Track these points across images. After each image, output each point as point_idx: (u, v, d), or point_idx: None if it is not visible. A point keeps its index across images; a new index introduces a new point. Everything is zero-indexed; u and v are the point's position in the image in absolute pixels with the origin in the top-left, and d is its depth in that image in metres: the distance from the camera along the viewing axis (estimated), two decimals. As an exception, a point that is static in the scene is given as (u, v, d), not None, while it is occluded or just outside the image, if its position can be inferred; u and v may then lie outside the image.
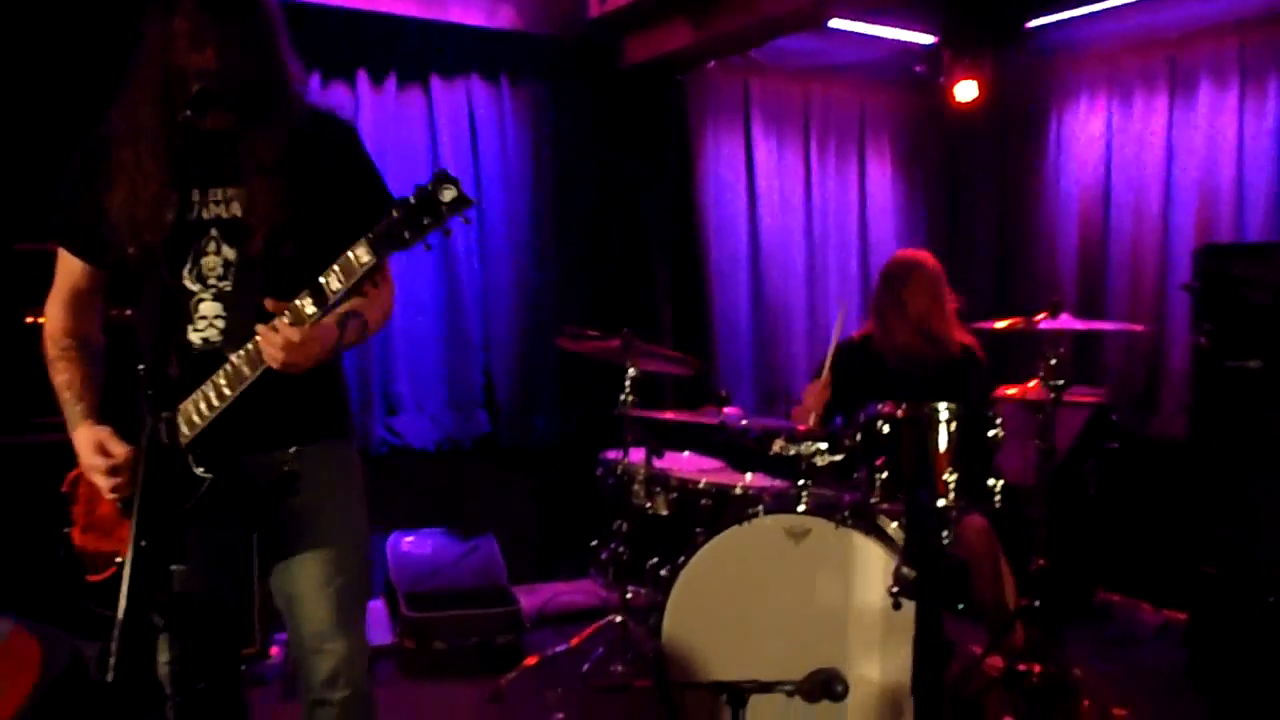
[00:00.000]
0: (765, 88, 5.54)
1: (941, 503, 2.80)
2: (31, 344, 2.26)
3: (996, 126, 5.70)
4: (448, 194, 1.84)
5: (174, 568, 1.69)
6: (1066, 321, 3.38)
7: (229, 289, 2.10)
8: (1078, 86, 5.29)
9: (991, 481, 2.91)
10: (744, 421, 3.46)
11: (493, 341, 5.03)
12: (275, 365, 1.94)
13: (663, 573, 3.51)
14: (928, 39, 5.21)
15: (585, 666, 3.91)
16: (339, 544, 2.21)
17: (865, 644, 2.93)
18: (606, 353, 3.95)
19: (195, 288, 2.10)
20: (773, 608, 3.01)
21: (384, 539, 4.56)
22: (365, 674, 2.21)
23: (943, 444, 2.85)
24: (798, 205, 5.63)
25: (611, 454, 4.04)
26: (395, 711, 3.59)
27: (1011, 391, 3.34)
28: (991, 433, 2.93)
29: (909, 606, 2.63)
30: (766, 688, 2.51)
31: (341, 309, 1.95)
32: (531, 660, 3.93)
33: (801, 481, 3.14)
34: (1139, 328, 3.97)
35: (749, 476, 3.64)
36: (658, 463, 3.80)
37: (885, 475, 2.97)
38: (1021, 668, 3.30)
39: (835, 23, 4.75)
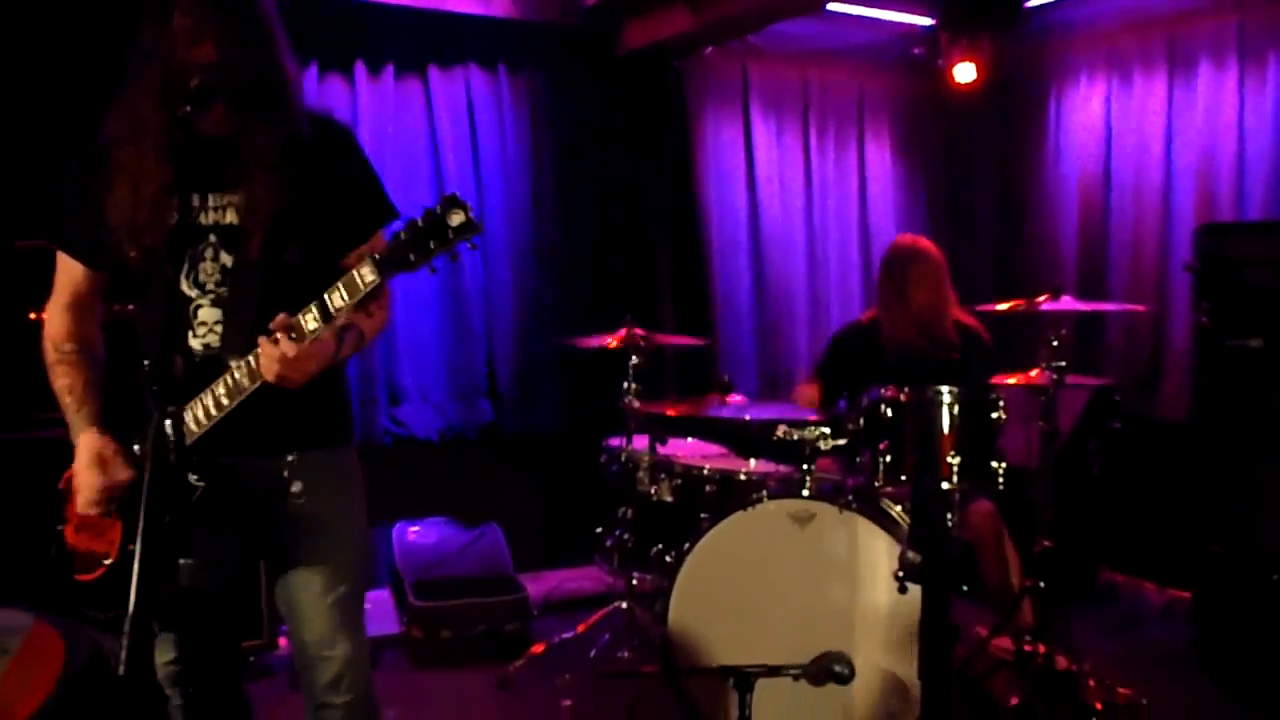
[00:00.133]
0: (764, 72, 5.53)
1: (945, 486, 2.80)
2: (34, 340, 2.26)
3: (996, 108, 5.69)
4: (456, 219, 1.82)
5: (181, 562, 1.70)
6: (1068, 303, 3.38)
7: (227, 295, 2.10)
8: (1076, 67, 5.28)
9: (995, 464, 2.91)
10: (748, 416, 3.45)
11: (495, 331, 5.04)
12: (270, 379, 1.94)
13: (668, 558, 3.53)
14: (926, 21, 5.20)
15: (592, 653, 3.93)
16: (339, 552, 2.21)
17: (870, 627, 2.94)
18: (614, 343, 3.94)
19: (194, 294, 2.10)
20: (778, 592, 3.02)
21: (389, 529, 4.58)
22: (367, 677, 2.23)
23: (946, 427, 2.86)
24: (797, 190, 5.62)
25: (615, 441, 4.05)
26: (404, 700, 3.61)
27: (1012, 381, 3.34)
28: (994, 415, 2.94)
29: (914, 590, 2.65)
30: (773, 671, 2.52)
31: (340, 323, 1.95)
32: (538, 647, 3.95)
33: (805, 466, 3.15)
34: (1140, 308, 3.97)
35: (753, 462, 3.65)
36: (661, 449, 3.81)
37: (888, 459, 2.98)
38: (1028, 648, 3.31)
39: (834, 6, 4.74)
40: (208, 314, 2.10)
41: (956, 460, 2.80)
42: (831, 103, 5.70)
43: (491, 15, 4.85)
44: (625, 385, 3.90)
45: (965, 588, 3.66)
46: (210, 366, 2.04)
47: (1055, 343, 3.27)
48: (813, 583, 3.00)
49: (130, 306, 2.24)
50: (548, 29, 5.04)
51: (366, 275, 1.87)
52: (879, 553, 2.96)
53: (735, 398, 3.78)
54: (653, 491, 3.72)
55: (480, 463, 5.06)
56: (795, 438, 3.21)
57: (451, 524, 4.68)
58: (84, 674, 1.51)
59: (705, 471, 3.60)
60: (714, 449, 4.11)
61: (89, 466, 2.07)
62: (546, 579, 4.79)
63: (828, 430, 3.21)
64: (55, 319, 2.22)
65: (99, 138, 2.12)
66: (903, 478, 3.00)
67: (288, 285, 2.00)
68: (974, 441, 2.86)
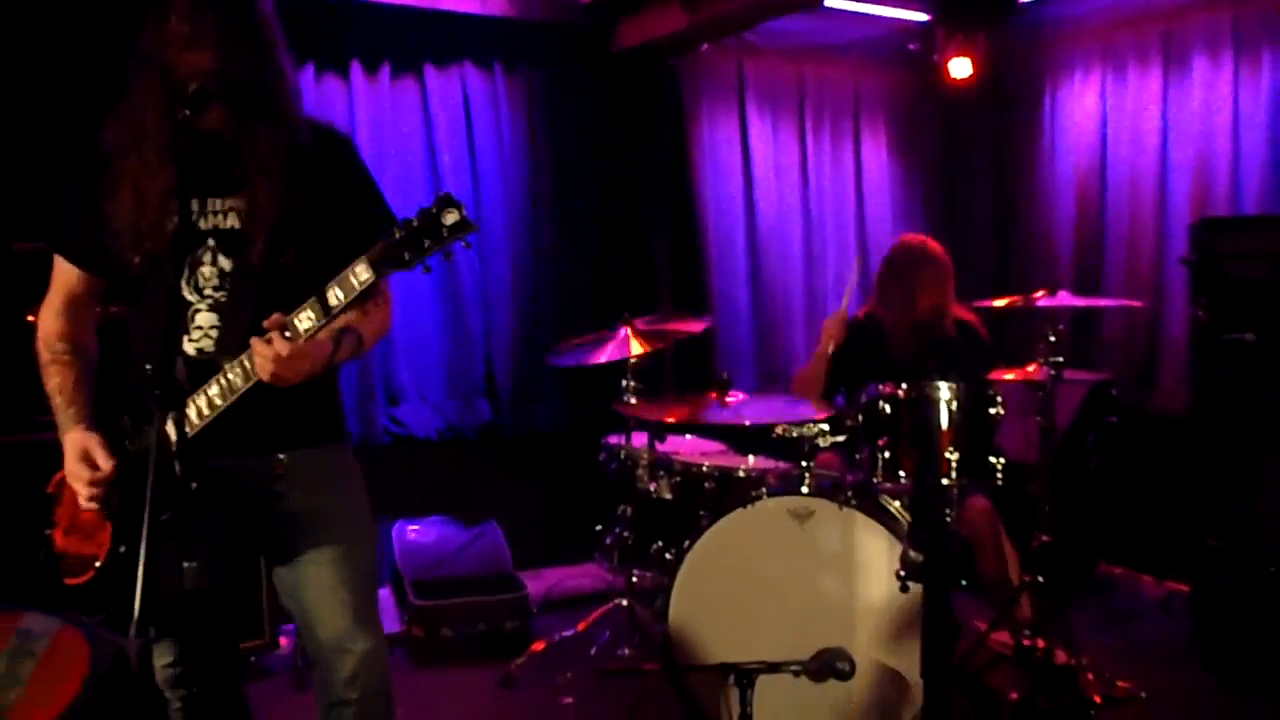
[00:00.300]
0: (759, 69, 5.53)
1: (944, 481, 2.82)
2: (31, 342, 2.27)
3: (991, 104, 5.69)
4: (450, 217, 1.83)
5: (185, 564, 1.71)
6: (1065, 299, 3.39)
7: (224, 300, 2.11)
8: (1071, 62, 5.28)
9: (993, 459, 2.93)
10: (746, 421, 3.45)
11: (493, 330, 5.04)
12: (264, 378, 1.95)
13: (667, 556, 3.54)
14: (921, 16, 5.20)
15: (593, 650, 3.94)
16: (343, 546, 2.20)
17: (871, 623, 2.96)
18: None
19: (192, 298, 2.11)
20: (778, 589, 3.03)
21: (389, 528, 4.58)
22: (385, 672, 2.22)
23: (944, 423, 2.87)
24: (794, 186, 5.62)
25: (614, 439, 4.06)
26: (406, 699, 3.58)
27: (1009, 376, 3.35)
28: (992, 411, 2.95)
29: (914, 587, 2.66)
30: (773, 668, 2.54)
31: (337, 324, 1.95)
32: (539, 645, 3.96)
33: (804, 463, 3.16)
34: (1137, 303, 3.98)
35: (751, 458, 3.66)
36: (660, 447, 3.82)
37: (887, 455, 3.00)
38: (1027, 643, 3.33)
39: (829, 1, 4.74)
40: (205, 318, 2.11)
41: (955, 456, 2.82)
42: (827, 99, 5.71)
43: (487, 14, 4.85)
44: (624, 383, 3.90)
45: (964, 582, 3.67)
46: (204, 370, 2.05)
47: (1053, 338, 3.28)
48: (812, 579, 3.02)
49: (124, 308, 2.25)
50: (543, 27, 5.04)
51: (361, 273, 1.87)
52: (878, 549, 2.97)
53: (734, 394, 3.79)
54: (652, 489, 3.73)
55: (479, 461, 5.07)
56: (794, 434, 3.22)
57: (451, 523, 4.69)
58: (108, 677, 1.53)
59: (704, 469, 3.60)
60: (712, 445, 4.12)
61: (76, 462, 2.09)
62: (546, 577, 4.79)
63: (826, 427, 3.22)
64: (49, 320, 2.23)
65: (99, 143, 2.12)
66: (901, 474, 3.02)
67: (286, 291, 2.01)
68: (972, 437, 2.87)
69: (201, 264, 2.11)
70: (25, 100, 3.84)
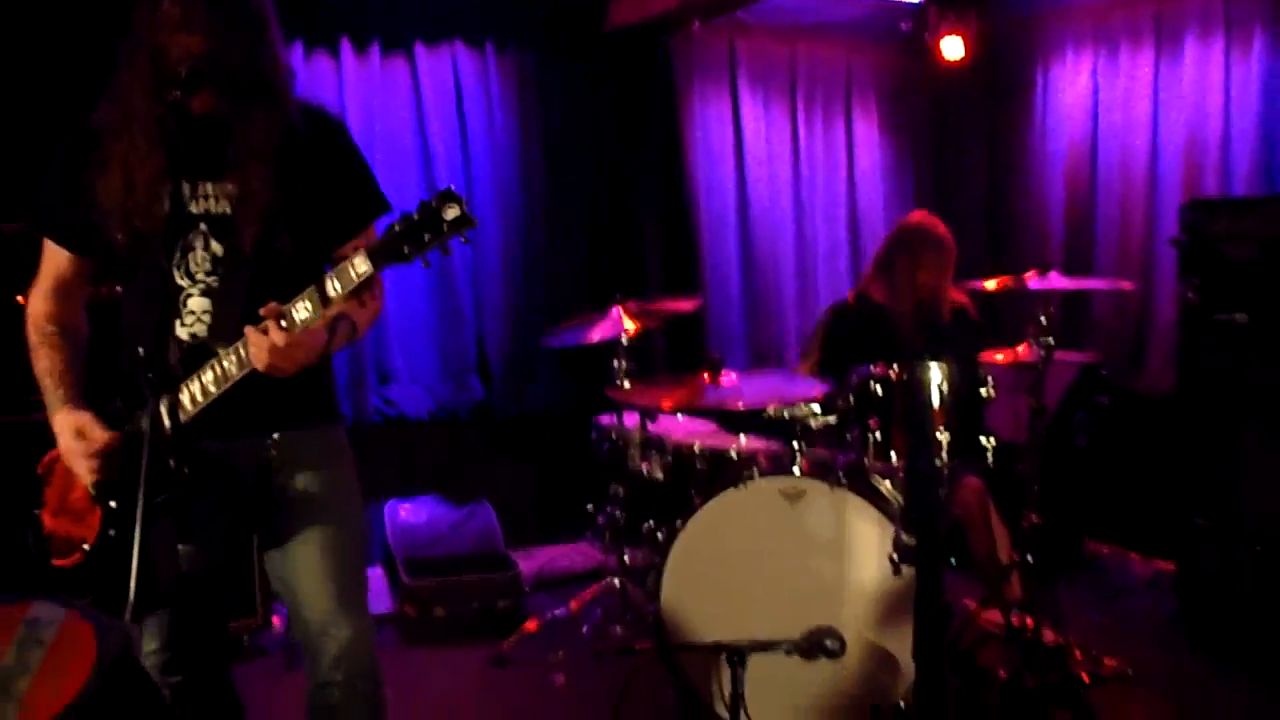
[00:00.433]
0: (751, 48, 5.51)
1: (935, 462, 2.83)
2: (21, 324, 2.26)
3: (983, 84, 5.68)
4: (451, 212, 1.82)
5: (181, 547, 1.71)
6: (1056, 280, 3.40)
7: (217, 285, 2.10)
8: (1063, 42, 5.28)
9: (984, 440, 2.95)
10: (740, 404, 3.45)
11: (484, 310, 5.04)
12: (260, 367, 1.95)
13: (659, 535, 3.55)
14: (913, -4, 5.19)
15: (585, 629, 3.96)
16: (333, 526, 2.21)
17: (861, 602, 2.98)
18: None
19: (184, 283, 2.10)
20: (770, 568, 3.05)
21: (381, 508, 4.59)
22: (371, 654, 2.22)
23: (935, 404, 2.88)
24: (785, 166, 5.62)
25: (605, 419, 4.07)
26: (398, 678, 3.63)
27: (1000, 357, 3.36)
28: (983, 391, 2.97)
29: (906, 569, 2.68)
30: (765, 647, 2.56)
31: (332, 313, 1.96)
32: (532, 624, 3.97)
33: (796, 443, 3.17)
34: (1128, 285, 3.99)
35: (743, 438, 3.67)
36: (651, 427, 3.82)
37: (878, 436, 3.02)
38: (1016, 622, 3.36)
39: (821, -21, 4.73)
40: (196, 303, 2.11)
41: (946, 437, 2.83)
42: (819, 79, 5.70)
43: (478, -8, 4.83)
44: (616, 364, 3.90)
45: (953, 561, 3.70)
46: (197, 355, 2.04)
47: (1043, 319, 3.29)
48: (803, 559, 3.03)
49: (117, 289, 2.24)
50: (534, 6, 5.02)
51: (360, 266, 1.87)
52: (869, 529, 2.98)
53: (726, 374, 3.80)
54: (644, 469, 3.74)
55: (471, 441, 5.08)
56: (786, 415, 3.23)
57: (443, 502, 4.70)
58: (116, 665, 1.53)
59: (696, 449, 3.61)
60: (704, 426, 4.13)
61: (72, 439, 2.08)
62: (538, 556, 4.81)
63: (818, 408, 3.23)
64: (38, 302, 2.22)
65: (89, 125, 2.11)
66: (892, 454, 3.03)
67: (279, 277, 2.01)
68: (963, 418, 2.89)
69: (193, 249, 2.10)
70: (14, 83, 3.81)
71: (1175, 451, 4.08)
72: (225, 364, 2.00)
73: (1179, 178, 4.76)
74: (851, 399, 3.10)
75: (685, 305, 4.10)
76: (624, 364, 3.90)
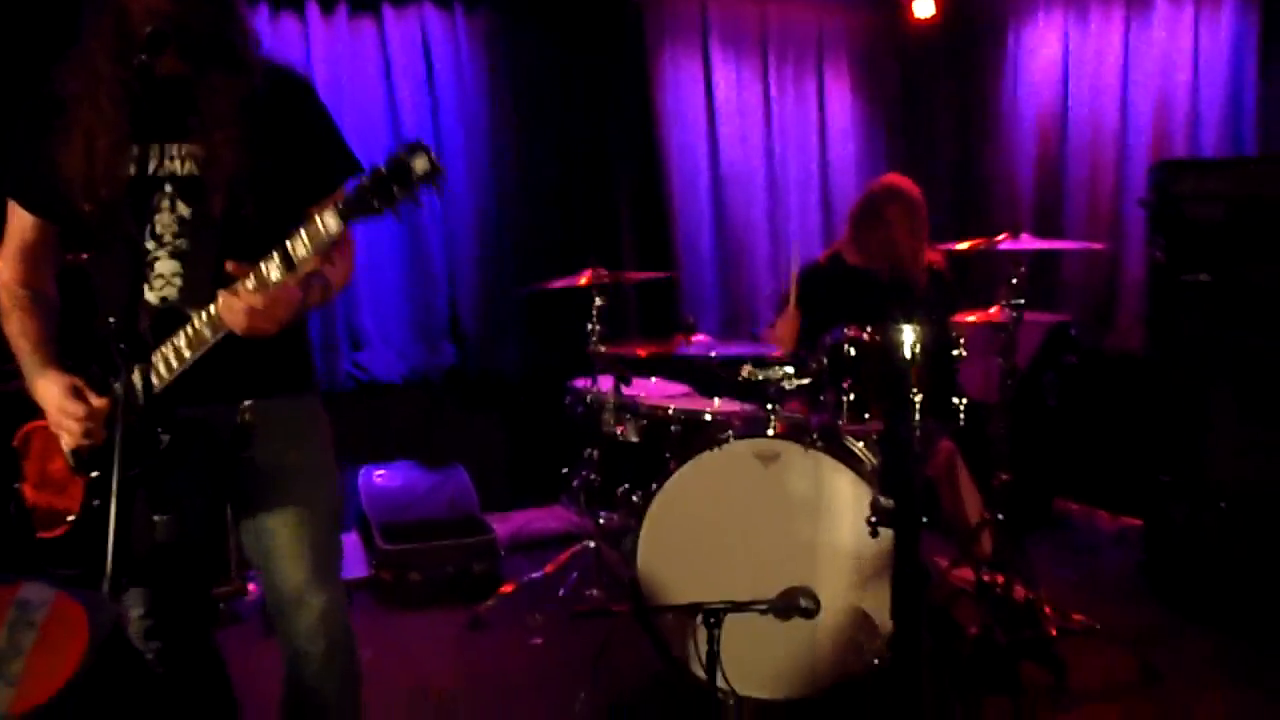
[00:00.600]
0: (723, 10, 5.47)
1: (913, 427, 2.86)
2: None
3: (954, 45, 5.69)
4: (420, 163, 1.80)
5: (157, 518, 1.70)
6: (1027, 242, 3.42)
7: (186, 248, 2.07)
8: (1034, 4, 5.27)
9: (956, 400, 2.98)
10: (713, 354, 3.48)
11: (457, 273, 5.01)
12: (239, 331, 1.93)
13: (634, 498, 3.57)
14: (885, -44, 5.17)
15: (561, 592, 3.99)
16: (307, 497, 2.20)
17: (835, 562, 3.01)
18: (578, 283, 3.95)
19: (150, 245, 2.07)
20: (745, 530, 3.08)
21: (355, 473, 4.58)
22: (345, 622, 2.24)
23: (909, 365, 2.90)
24: (757, 129, 5.60)
25: (580, 382, 4.07)
26: (376, 643, 3.64)
27: (971, 318, 3.38)
28: (955, 352, 2.99)
29: (882, 531, 2.72)
30: (740, 607, 2.59)
31: (305, 271, 1.93)
32: (508, 587, 4.00)
33: (770, 405, 3.19)
34: (1098, 246, 4.03)
35: (717, 401, 3.69)
36: (626, 390, 3.83)
37: (852, 397, 3.04)
38: (986, 578, 3.41)
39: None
40: (165, 266, 2.08)
41: (919, 397, 2.86)
42: (790, 40, 5.67)
43: (446, -48, 4.76)
44: (590, 327, 3.90)
45: (925, 520, 3.74)
46: (167, 319, 2.02)
47: (1014, 280, 3.31)
48: (778, 520, 3.06)
49: (83, 256, 2.21)
50: (503, -34, 4.96)
51: (329, 222, 1.85)
52: (843, 489, 3.01)
53: (699, 337, 3.81)
54: (619, 432, 3.75)
55: (445, 405, 5.07)
56: (760, 378, 3.24)
57: (417, 467, 4.70)
58: (109, 644, 1.53)
59: (670, 412, 3.62)
60: (678, 389, 4.14)
61: (67, 398, 2.03)
62: (512, 519, 4.83)
63: (792, 370, 3.24)
64: (7, 266, 2.19)
65: (52, 88, 2.07)
66: (866, 415, 3.06)
67: (248, 239, 1.98)
68: (936, 379, 2.92)
69: (159, 210, 2.07)
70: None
71: (1142, 410, 4.14)
72: (197, 325, 1.98)
73: (1148, 139, 4.79)
74: (825, 360, 3.12)
75: (657, 275, 4.10)
76: (597, 327, 3.90)
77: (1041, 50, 5.25)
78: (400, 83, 4.80)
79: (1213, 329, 3.79)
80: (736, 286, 5.57)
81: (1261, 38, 4.46)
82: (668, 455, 3.41)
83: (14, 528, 2.18)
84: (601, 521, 3.98)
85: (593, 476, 3.94)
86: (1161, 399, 4.00)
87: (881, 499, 2.67)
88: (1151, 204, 4.02)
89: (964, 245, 3.52)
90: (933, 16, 5.44)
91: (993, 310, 3.41)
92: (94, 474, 2.07)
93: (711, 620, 2.57)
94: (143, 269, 2.05)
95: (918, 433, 2.86)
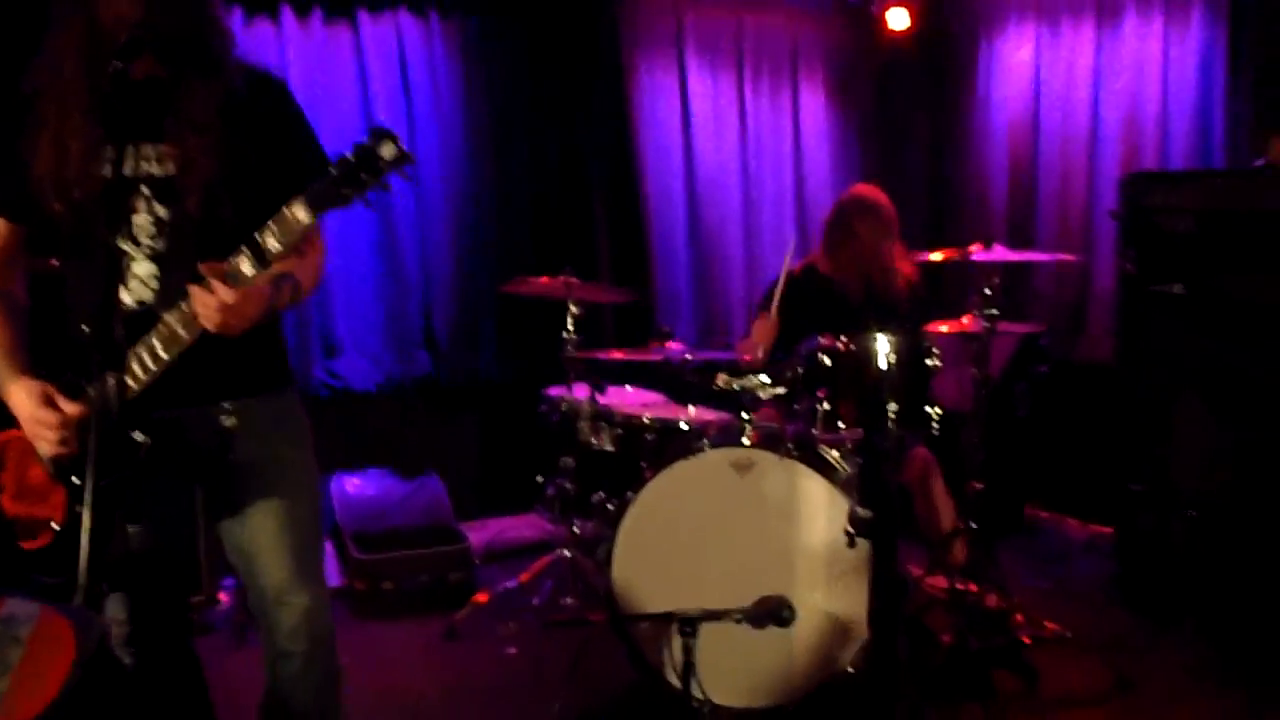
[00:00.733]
0: (698, 19, 5.49)
1: (890, 438, 2.87)
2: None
3: (928, 56, 5.73)
4: (387, 150, 1.80)
5: (130, 528, 1.68)
6: (1000, 253, 3.45)
7: (164, 250, 2.05)
8: (1006, 15, 5.32)
9: (930, 409, 2.99)
10: (688, 356, 3.49)
11: (431, 281, 5.00)
12: (212, 327, 1.91)
13: (609, 507, 3.57)
14: (859, -34, 5.21)
15: (536, 601, 3.97)
16: (289, 496, 2.19)
17: (811, 571, 3.01)
18: (549, 291, 3.95)
19: (127, 247, 2.05)
20: (720, 538, 3.08)
21: (328, 481, 4.55)
22: (328, 624, 2.22)
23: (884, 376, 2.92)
24: (732, 137, 5.62)
25: (555, 391, 4.06)
26: (350, 653, 3.58)
27: (945, 328, 3.41)
28: (930, 362, 3.01)
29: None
30: (716, 616, 2.59)
31: (274, 270, 1.92)
32: (483, 596, 3.98)
33: (745, 414, 3.19)
34: (1070, 257, 4.06)
35: (692, 409, 3.69)
36: (601, 399, 3.83)
37: (826, 407, 3.05)
38: (960, 587, 3.43)
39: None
40: (142, 269, 2.06)
41: (894, 407, 2.87)
42: (766, 51, 5.69)
43: (421, -41, 4.75)
44: (564, 335, 3.90)
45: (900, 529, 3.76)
46: (143, 322, 2.00)
47: (988, 291, 3.34)
48: (754, 528, 3.06)
49: (52, 261, 2.19)
50: (479, -28, 4.95)
51: (299, 214, 1.84)
52: (817, 498, 3.02)
53: (674, 345, 3.81)
54: (594, 441, 3.75)
55: (418, 413, 5.05)
56: (735, 386, 3.25)
57: (391, 475, 4.67)
58: (96, 659, 1.50)
59: (646, 420, 3.63)
60: (653, 397, 4.14)
61: (40, 406, 2.01)
62: (488, 528, 4.81)
63: (766, 378, 3.25)
64: None
65: (21, 87, 2.05)
66: (840, 424, 3.07)
67: (225, 241, 1.96)
68: (911, 388, 2.93)
69: (135, 212, 2.05)
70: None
71: (1113, 419, 4.18)
72: (172, 324, 1.96)
73: (1118, 152, 4.84)
74: (800, 369, 3.13)
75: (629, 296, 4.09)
76: (573, 336, 3.90)
77: (1013, 61, 5.29)
78: (375, 89, 4.78)
79: (1182, 339, 3.83)
80: (711, 295, 5.58)
81: (1229, 51, 4.52)
82: (643, 464, 3.41)
83: None
84: (576, 530, 3.97)
85: (568, 485, 3.94)
86: (1131, 408, 4.04)
87: (859, 510, 2.68)
88: (1122, 216, 4.06)
89: (937, 255, 3.55)
90: (907, 28, 5.49)
91: (965, 320, 3.44)
92: (75, 480, 2.05)
93: (687, 629, 2.57)
94: (117, 272, 2.03)
95: (893, 442, 2.88)
